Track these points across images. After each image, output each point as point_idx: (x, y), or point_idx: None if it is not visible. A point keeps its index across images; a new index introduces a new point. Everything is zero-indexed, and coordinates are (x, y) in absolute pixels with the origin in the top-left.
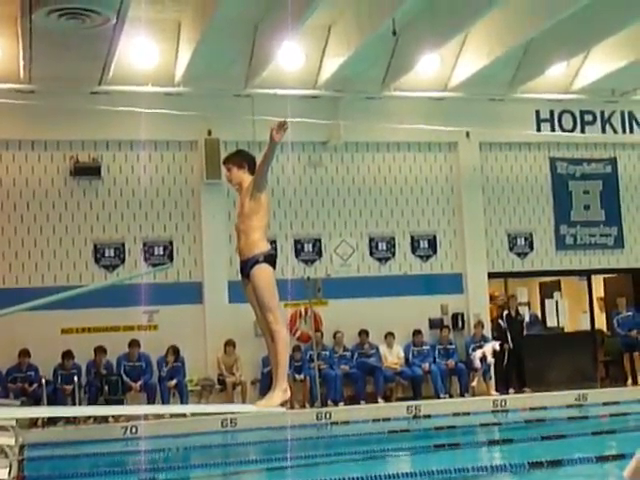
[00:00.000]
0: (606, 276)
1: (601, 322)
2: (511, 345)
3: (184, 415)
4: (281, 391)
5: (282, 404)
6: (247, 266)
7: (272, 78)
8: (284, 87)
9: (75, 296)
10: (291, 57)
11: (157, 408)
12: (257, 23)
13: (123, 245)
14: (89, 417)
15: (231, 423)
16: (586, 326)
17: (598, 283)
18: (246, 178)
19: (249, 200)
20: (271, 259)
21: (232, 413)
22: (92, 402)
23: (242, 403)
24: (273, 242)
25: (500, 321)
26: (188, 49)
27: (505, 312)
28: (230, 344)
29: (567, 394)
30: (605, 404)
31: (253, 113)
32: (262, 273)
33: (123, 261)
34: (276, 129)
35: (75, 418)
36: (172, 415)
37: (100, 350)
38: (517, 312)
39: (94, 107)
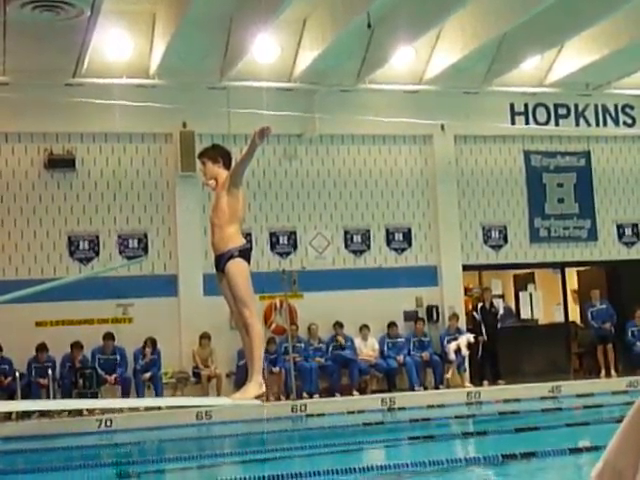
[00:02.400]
0: (580, 269)
1: (575, 314)
2: (485, 337)
3: (159, 408)
4: (256, 384)
5: (257, 397)
6: (222, 260)
7: (247, 71)
8: (259, 80)
9: (50, 289)
10: (266, 50)
11: (131, 402)
12: (232, 16)
13: (97, 237)
14: (63, 410)
15: (206, 416)
16: (560, 318)
17: (572, 275)
18: (221, 173)
19: (225, 195)
20: (246, 253)
21: (207, 406)
22: (66, 395)
23: (217, 396)
24: (248, 235)
25: (475, 313)
26: (163, 41)
27: (480, 304)
28: (205, 337)
29: (541, 386)
30: (579, 396)
31: (228, 105)
32: (237, 267)
33: (97, 254)
34: (259, 134)
35: (49, 411)
36: (147, 408)
37: (77, 346)
38: (491, 304)
39: (68, 99)
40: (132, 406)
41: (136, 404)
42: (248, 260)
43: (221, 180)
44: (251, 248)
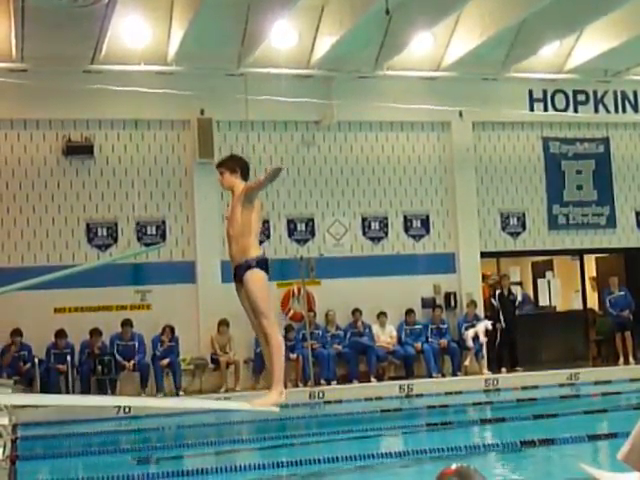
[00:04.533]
0: (598, 256)
1: (593, 301)
2: (503, 324)
3: (177, 394)
4: (277, 394)
5: (277, 405)
6: (240, 271)
7: (265, 57)
8: (277, 66)
9: (68, 275)
10: (284, 36)
11: (149, 401)
12: (250, 2)
13: (116, 224)
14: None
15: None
16: (578, 305)
17: (590, 263)
18: (238, 183)
19: (240, 207)
20: (264, 264)
21: (226, 410)
22: (85, 382)
23: (235, 384)
24: (266, 222)
25: (493, 300)
26: (181, 28)
27: (498, 291)
28: (224, 323)
29: (559, 373)
30: (597, 383)
31: (246, 92)
32: (255, 278)
33: (116, 240)
34: (271, 174)
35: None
36: (165, 394)
37: (95, 332)
38: (509, 291)
39: (86, 86)
40: (150, 405)
41: (154, 404)
42: (266, 270)
43: (237, 191)
44: (267, 260)
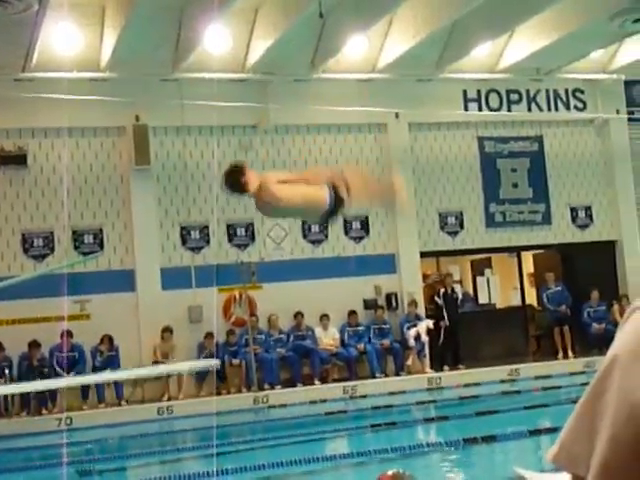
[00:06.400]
0: (535, 252)
1: (531, 297)
2: (447, 323)
3: (119, 404)
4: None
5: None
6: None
7: (199, 62)
8: (212, 71)
9: (4, 288)
10: (218, 40)
11: (106, 376)
12: (183, 6)
13: (52, 234)
14: (22, 410)
15: (167, 410)
16: (517, 302)
17: (527, 259)
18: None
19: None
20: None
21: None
22: (24, 394)
23: (178, 393)
24: (205, 227)
25: (437, 299)
26: (113, 34)
27: (442, 290)
28: (167, 330)
29: (500, 369)
30: (537, 378)
31: (181, 97)
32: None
33: (53, 250)
34: None
35: (7, 411)
36: (107, 404)
37: (34, 344)
38: (452, 290)
39: (18, 95)
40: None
41: (113, 378)
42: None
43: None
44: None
